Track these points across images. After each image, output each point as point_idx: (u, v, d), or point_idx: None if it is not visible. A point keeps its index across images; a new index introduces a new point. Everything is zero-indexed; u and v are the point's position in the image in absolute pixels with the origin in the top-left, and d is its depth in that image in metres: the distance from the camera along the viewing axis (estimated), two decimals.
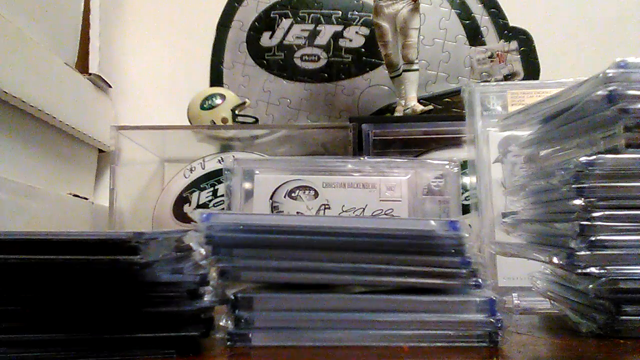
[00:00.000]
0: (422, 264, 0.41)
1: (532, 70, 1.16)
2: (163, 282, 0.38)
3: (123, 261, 0.36)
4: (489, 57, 1.15)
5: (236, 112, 1.06)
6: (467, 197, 0.76)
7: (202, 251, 0.40)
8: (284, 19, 1.23)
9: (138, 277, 0.37)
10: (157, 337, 0.37)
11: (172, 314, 0.37)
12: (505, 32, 1.19)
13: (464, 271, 0.40)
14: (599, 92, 0.44)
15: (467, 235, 0.40)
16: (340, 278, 0.41)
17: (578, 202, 0.44)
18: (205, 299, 0.39)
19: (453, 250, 0.40)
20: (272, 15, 1.24)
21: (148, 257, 0.36)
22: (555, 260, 0.46)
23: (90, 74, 1.08)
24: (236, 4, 1.25)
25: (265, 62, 1.22)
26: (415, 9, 0.98)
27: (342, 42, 1.21)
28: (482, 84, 0.75)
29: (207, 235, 0.40)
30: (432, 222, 0.41)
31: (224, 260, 0.40)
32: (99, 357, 0.37)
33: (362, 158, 0.76)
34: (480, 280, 0.41)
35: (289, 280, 0.41)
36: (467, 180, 0.75)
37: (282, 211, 0.71)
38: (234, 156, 0.87)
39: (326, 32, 1.22)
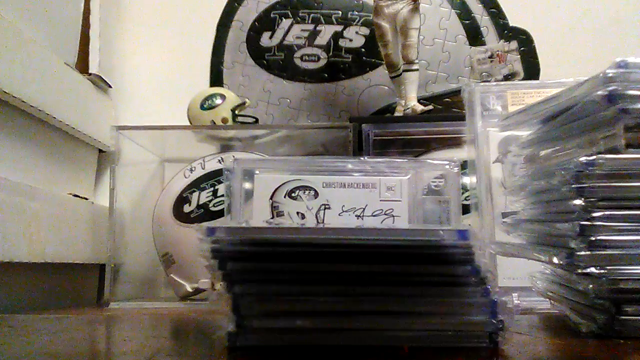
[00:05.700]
0: (430, 274, 0.40)
1: (532, 70, 1.16)
2: None
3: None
4: (489, 57, 1.15)
5: (236, 112, 1.06)
6: (467, 197, 0.76)
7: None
8: (283, 19, 1.23)
9: None
10: None
11: None
12: (505, 32, 1.19)
13: (473, 279, 0.40)
14: (599, 92, 0.44)
15: (476, 244, 0.40)
16: (346, 289, 0.41)
17: (578, 202, 0.44)
18: None
19: (462, 259, 0.40)
20: (272, 15, 1.24)
21: None
22: (555, 260, 0.46)
23: (90, 74, 1.07)
24: (236, 4, 1.25)
25: (265, 62, 1.22)
26: (415, 9, 0.98)
27: (342, 42, 1.21)
28: (482, 84, 0.75)
29: (213, 250, 0.40)
30: (441, 232, 0.40)
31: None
32: None
33: (362, 158, 0.76)
34: (489, 287, 0.40)
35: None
36: (467, 180, 0.75)
37: (282, 211, 0.71)
38: (234, 156, 0.86)
39: (326, 32, 1.22)
